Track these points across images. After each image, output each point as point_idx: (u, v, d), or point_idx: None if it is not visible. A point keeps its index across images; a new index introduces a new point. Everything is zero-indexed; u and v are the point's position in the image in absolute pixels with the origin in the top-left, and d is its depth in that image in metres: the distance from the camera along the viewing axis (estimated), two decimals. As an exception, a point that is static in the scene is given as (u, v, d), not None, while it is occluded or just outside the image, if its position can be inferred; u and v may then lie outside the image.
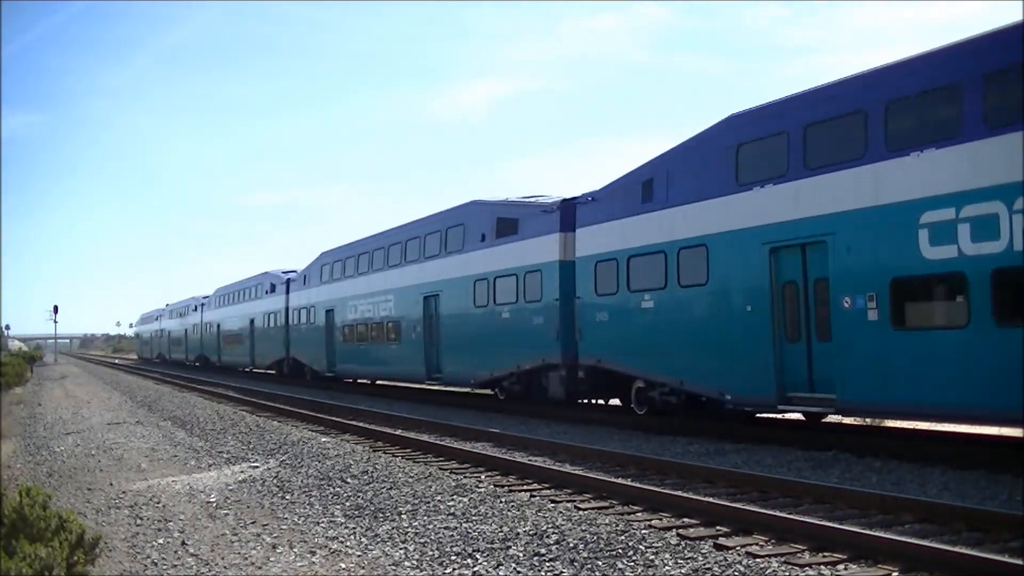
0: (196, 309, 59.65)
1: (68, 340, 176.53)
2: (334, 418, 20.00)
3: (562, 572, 7.20)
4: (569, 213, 19.46)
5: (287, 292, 39.21)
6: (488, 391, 23.55)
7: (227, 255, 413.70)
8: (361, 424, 18.48)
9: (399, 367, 27.85)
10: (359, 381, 33.75)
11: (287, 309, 38.92)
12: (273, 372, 42.35)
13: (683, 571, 7.07)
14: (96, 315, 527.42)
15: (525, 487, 11.05)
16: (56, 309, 79.90)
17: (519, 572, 7.27)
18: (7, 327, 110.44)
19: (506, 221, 21.82)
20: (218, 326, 52.47)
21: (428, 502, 10.17)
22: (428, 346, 25.34)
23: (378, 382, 32.76)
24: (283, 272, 41.60)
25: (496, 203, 22.67)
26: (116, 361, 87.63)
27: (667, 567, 7.18)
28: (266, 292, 42.61)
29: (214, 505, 10.65)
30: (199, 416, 21.80)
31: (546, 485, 11.06)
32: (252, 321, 44.59)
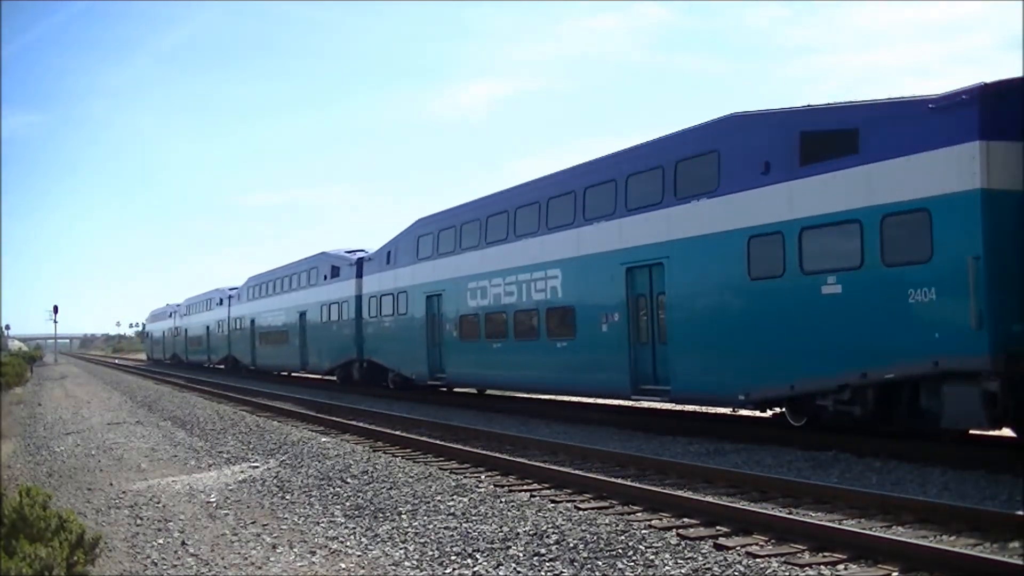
0: (221, 303, 50.86)
1: (68, 340, 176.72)
2: (334, 418, 20.00)
3: (562, 572, 7.20)
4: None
5: (358, 275, 30.81)
6: (761, 412, 15.66)
7: (227, 255, 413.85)
8: (361, 424, 18.48)
9: (574, 375, 18.91)
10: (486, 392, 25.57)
11: (358, 297, 30.42)
12: (334, 379, 33.69)
13: (683, 571, 7.07)
14: (96, 315, 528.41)
15: (525, 487, 11.05)
16: (56, 309, 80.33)
17: (519, 572, 7.27)
18: (7, 327, 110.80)
19: (824, 136, 13.34)
20: (252, 322, 43.95)
21: (428, 502, 10.17)
22: (636, 344, 16.94)
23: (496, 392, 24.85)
24: (348, 252, 33.09)
25: (791, 112, 14.07)
26: (116, 361, 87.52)
27: (667, 567, 7.18)
28: (324, 278, 34.09)
29: (214, 505, 10.65)
30: (199, 416, 21.80)
31: (546, 485, 11.06)
32: (303, 314, 36.07)
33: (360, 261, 31.02)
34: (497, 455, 13.37)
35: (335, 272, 33.12)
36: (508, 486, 11.17)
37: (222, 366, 51.27)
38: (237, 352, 47.73)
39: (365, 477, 12.01)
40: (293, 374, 40.60)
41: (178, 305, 66.86)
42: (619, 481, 10.77)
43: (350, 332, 30.91)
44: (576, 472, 11.44)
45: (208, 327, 54.61)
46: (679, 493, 9.97)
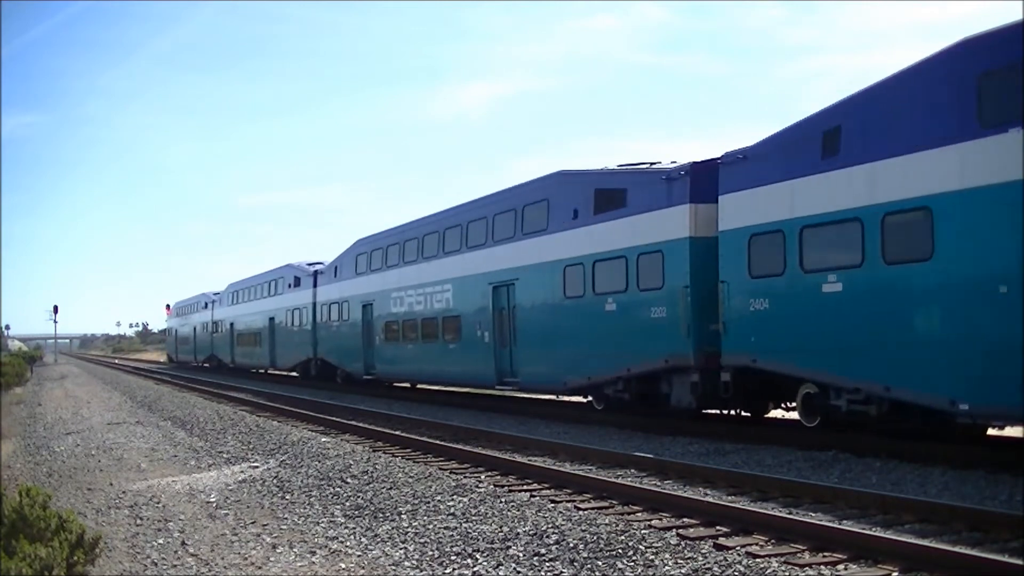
0: (298, 284, 37.02)
1: (68, 340, 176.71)
2: (334, 418, 19.99)
3: (562, 572, 7.20)
4: None
5: (670, 201, 15.83)
6: None
7: (227, 255, 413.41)
8: (361, 424, 18.47)
9: None
10: None
11: (695, 241, 15.38)
12: (584, 399, 19.68)
13: (683, 571, 7.07)
14: (96, 315, 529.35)
15: (525, 487, 11.05)
16: (56, 309, 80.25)
17: (519, 572, 7.27)
18: (7, 327, 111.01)
19: None
20: (366, 307, 29.50)
21: (428, 502, 10.17)
22: None
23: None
24: (601, 169, 18.21)
25: None
26: (116, 361, 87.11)
27: (667, 567, 7.18)
28: (572, 219, 18.46)
29: (214, 505, 10.65)
30: (199, 416, 21.80)
31: (546, 485, 11.06)
32: (503, 289, 21.25)
33: (682, 173, 15.66)
34: (497, 455, 13.38)
35: (605, 203, 17.62)
36: (508, 486, 11.17)
37: (295, 373, 37.87)
38: (330, 353, 33.60)
39: (365, 477, 12.01)
40: (429, 386, 28.34)
41: (217, 294, 52.79)
42: (619, 481, 10.78)
43: (666, 312, 15.94)
44: (576, 472, 11.45)
45: (272, 319, 39.99)
46: (679, 493, 9.98)
